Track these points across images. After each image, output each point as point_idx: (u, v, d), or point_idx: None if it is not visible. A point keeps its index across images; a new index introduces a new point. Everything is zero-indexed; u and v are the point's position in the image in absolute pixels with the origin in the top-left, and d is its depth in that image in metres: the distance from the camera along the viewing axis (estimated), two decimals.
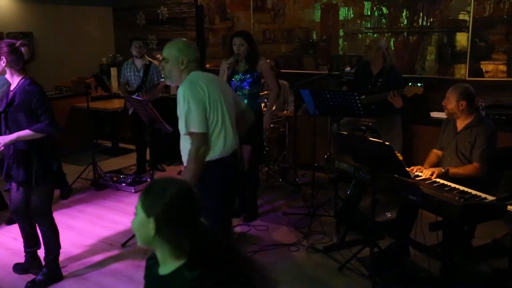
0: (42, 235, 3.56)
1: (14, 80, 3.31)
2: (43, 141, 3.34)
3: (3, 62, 3.24)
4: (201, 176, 2.88)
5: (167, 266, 1.59)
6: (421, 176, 3.38)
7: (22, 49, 3.28)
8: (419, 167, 3.61)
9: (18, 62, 3.27)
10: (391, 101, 4.47)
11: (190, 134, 2.84)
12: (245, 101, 4.33)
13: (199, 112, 2.80)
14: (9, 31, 6.60)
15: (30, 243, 3.65)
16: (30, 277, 3.56)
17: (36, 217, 3.50)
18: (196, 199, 1.61)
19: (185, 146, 2.92)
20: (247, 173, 4.52)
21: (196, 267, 1.52)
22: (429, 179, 3.36)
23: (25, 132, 3.25)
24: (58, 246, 3.59)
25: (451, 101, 3.53)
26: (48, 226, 3.52)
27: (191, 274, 1.51)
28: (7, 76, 3.33)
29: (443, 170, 3.36)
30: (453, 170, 3.42)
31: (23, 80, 3.29)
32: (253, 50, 4.34)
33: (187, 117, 2.80)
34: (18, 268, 3.70)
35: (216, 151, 2.92)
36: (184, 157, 2.95)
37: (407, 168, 3.20)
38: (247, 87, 4.33)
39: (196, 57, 2.96)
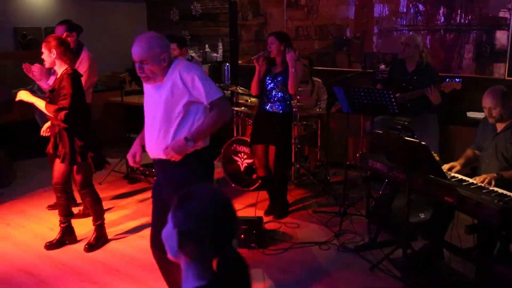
0: (88, 205, 4.08)
1: (60, 70, 3.64)
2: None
3: (54, 55, 3.58)
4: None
5: (188, 283, 1.46)
6: (470, 181, 3.25)
7: (68, 40, 3.69)
8: (451, 164, 3.52)
9: (66, 53, 3.61)
10: (429, 95, 4.38)
11: (213, 103, 2.65)
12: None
13: (208, 78, 2.69)
14: (47, 26, 6.74)
15: (65, 213, 4.01)
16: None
17: (81, 189, 3.96)
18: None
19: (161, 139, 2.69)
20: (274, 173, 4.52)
21: None
22: (466, 180, 3.28)
23: None
24: (102, 212, 4.07)
25: (496, 107, 3.37)
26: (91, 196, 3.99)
27: None
28: (56, 67, 3.65)
29: (496, 175, 3.20)
30: (506, 175, 3.25)
31: (65, 70, 3.61)
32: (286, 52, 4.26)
33: (205, 87, 2.62)
34: (51, 245, 3.99)
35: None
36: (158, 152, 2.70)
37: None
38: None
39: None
